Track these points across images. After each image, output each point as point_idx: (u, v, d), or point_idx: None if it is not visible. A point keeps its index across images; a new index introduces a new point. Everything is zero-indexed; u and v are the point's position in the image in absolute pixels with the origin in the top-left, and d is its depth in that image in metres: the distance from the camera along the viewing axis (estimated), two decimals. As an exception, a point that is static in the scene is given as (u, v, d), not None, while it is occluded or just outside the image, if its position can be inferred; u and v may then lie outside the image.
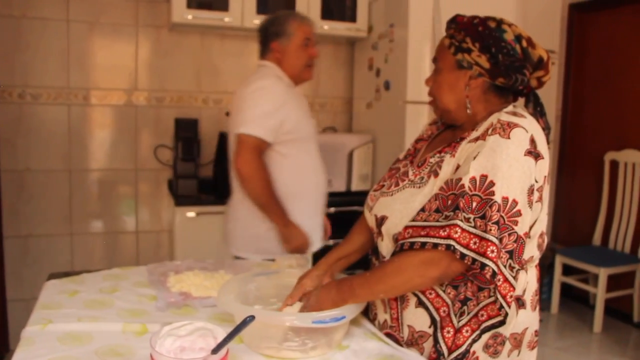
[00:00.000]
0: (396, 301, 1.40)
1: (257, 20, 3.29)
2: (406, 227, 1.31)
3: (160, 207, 3.64)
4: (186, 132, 3.30)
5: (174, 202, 3.11)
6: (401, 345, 1.38)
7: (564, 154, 4.58)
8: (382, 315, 1.45)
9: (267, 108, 2.23)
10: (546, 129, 1.39)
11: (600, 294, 3.81)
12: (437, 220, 1.26)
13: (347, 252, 1.62)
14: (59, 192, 3.42)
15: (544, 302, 4.34)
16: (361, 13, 3.55)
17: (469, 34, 1.35)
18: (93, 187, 3.50)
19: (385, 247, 1.41)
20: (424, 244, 1.25)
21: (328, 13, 3.51)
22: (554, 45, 4.18)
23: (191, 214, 3.10)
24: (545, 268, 4.37)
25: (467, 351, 1.31)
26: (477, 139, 1.30)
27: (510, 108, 1.36)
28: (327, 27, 3.47)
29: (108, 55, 3.43)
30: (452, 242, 1.21)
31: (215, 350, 1.00)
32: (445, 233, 1.22)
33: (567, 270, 4.17)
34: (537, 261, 1.43)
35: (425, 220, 1.28)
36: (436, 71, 1.42)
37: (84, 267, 3.36)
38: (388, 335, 1.42)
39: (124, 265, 2.01)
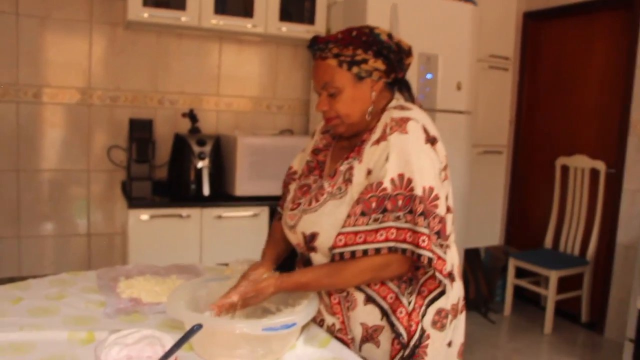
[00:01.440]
0: (340, 305, 1.46)
1: (214, 20, 3.26)
2: (338, 234, 1.37)
3: (114, 209, 3.56)
4: (141, 132, 3.22)
5: (128, 204, 3.04)
6: (349, 347, 1.44)
7: (517, 159, 4.68)
8: (330, 319, 1.50)
9: None
10: (421, 107, 1.53)
11: (551, 295, 3.90)
12: (367, 224, 1.34)
13: (280, 251, 1.66)
14: (6, 193, 3.30)
15: (497, 304, 4.42)
16: (320, 15, 3.54)
17: (358, 46, 1.43)
18: (43, 188, 3.39)
19: (320, 260, 1.47)
20: (365, 251, 1.34)
21: (286, 15, 3.48)
22: (508, 51, 4.28)
23: (145, 216, 3.03)
24: (499, 271, 4.45)
25: (423, 330, 1.41)
26: (378, 140, 1.41)
27: (394, 103, 1.49)
28: (285, 29, 3.45)
29: (60, 51, 3.34)
30: (392, 244, 1.32)
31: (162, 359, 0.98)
32: (383, 237, 1.33)
33: (520, 272, 4.26)
34: (454, 236, 1.55)
35: (354, 225, 1.35)
36: (334, 94, 1.45)
37: (33, 272, 3.29)
38: (337, 339, 1.46)
39: (75, 269, 1.96)
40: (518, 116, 4.64)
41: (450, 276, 1.50)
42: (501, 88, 4.33)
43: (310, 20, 3.55)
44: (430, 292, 1.42)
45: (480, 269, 4.41)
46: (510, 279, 4.23)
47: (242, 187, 3.22)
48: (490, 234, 4.39)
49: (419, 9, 3.26)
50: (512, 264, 4.22)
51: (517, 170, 4.69)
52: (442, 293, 1.43)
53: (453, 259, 1.53)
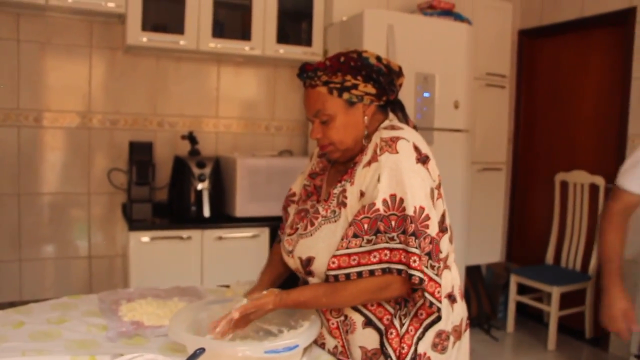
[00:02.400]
0: (338, 329, 1.45)
1: (212, 44, 3.30)
2: (331, 257, 1.37)
3: (114, 232, 3.56)
4: (141, 155, 3.24)
5: (128, 226, 3.05)
6: None
7: (516, 175, 4.69)
8: (331, 342, 1.49)
9: None
10: (415, 128, 1.52)
11: (554, 312, 3.88)
12: (360, 246, 1.34)
13: (277, 275, 1.66)
14: (8, 216, 3.31)
15: (500, 321, 4.40)
16: (317, 37, 3.57)
17: (347, 72, 1.43)
18: (44, 211, 3.40)
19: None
20: (360, 273, 1.33)
21: (284, 37, 3.52)
22: (504, 69, 4.31)
23: (145, 238, 3.04)
24: (501, 287, 4.44)
25: (416, 353, 1.39)
26: (369, 162, 1.40)
27: (386, 123, 1.47)
28: (283, 50, 3.49)
29: (61, 76, 3.37)
30: (385, 265, 1.32)
31: (164, 384, 0.98)
32: (376, 259, 1.32)
33: (522, 289, 4.25)
34: (454, 255, 1.54)
35: (347, 248, 1.35)
36: (327, 121, 1.45)
37: (34, 295, 3.28)
38: None
39: (76, 292, 1.96)
40: (516, 133, 4.66)
41: (451, 297, 1.50)
42: (499, 105, 4.36)
43: (307, 42, 3.59)
44: (429, 315, 1.40)
45: (482, 286, 4.40)
46: (512, 295, 4.22)
47: (243, 208, 3.23)
48: (491, 250, 4.39)
49: (415, 30, 3.30)
50: (513, 280, 4.21)
51: (517, 186, 4.70)
52: (439, 318, 1.40)
53: (454, 280, 1.52)
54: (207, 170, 3.21)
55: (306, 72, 1.46)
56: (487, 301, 4.39)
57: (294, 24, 3.66)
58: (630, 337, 2.20)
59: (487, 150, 4.29)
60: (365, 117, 1.46)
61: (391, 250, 1.31)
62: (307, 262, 1.44)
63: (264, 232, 3.24)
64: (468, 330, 1.59)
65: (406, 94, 3.19)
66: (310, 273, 1.45)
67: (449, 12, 3.52)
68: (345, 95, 1.42)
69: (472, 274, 4.33)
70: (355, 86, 1.42)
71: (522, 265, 4.46)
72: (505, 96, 4.38)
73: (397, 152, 1.36)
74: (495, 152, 4.38)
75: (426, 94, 3.35)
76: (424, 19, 3.41)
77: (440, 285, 1.35)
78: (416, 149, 1.40)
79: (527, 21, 4.51)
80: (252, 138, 3.85)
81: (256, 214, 3.26)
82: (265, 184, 3.26)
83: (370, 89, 1.44)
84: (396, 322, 1.39)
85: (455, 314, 1.50)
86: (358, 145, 1.46)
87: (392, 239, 1.31)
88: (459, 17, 3.54)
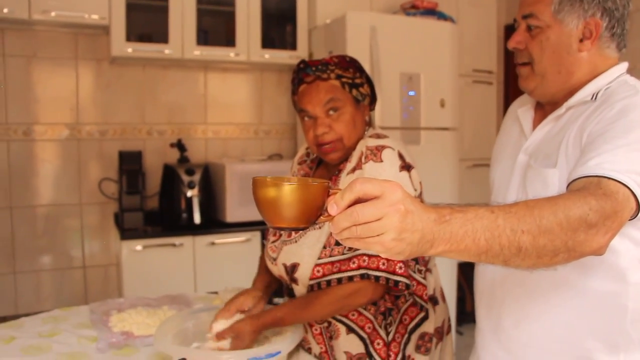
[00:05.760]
0: (321, 335, 1.47)
1: (197, 51, 3.31)
2: (315, 266, 1.38)
3: (108, 241, 3.58)
4: (130, 164, 3.26)
5: (120, 235, 3.07)
6: None
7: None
8: (316, 347, 1.50)
9: None
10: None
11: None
12: (343, 253, 1.35)
13: (270, 279, 1.66)
14: (1, 229, 3.33)
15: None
16: (301, 41, 3.59)
17: (356, 69, 1.45)
18: (37, 224, 3.42)
19: (301, 291, 1.47)
20: (340, 280, 1.34)
21: (269, 42, 3.54)
22: (491, 65, 4.34)
23: (138, 247, 3.06)
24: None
25: (404, 357, 1.41)
26: (354, 169, 1.41)
27: (371, 131, 1.48)
28: (268, 55, 3.50)
29: (48, 89, 3.38)
30: (364, 271, 1.32)
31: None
32: (355, 265, 1.32)
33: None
34: (435, 259, 1.55)
35: (330, 256, 1.36)
36: (337, 110, 1.42)
37: (29, 308, 3.30)
38: None
39: (72, 302, 1.98)
40: (505, 128, 4.67)
41: (433, 299, 1.51)
42: (487, 101, 4.38)
43: (292, 45, 3.60)
44: (412, 319, 1.43)
45: (476, 281, 4.42)
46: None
47: (233, 213, 3.25)
48: (484, 245, 4.39)
49: (398, 30, 3.32)
50: (507, 274, 4.22)
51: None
52: (425, 318, 1.43)
53: (435, 282, 1.54)
54: (197, 177, 3.23)
55: (312, 66, 1.44)
56: (483, 296, 4.40)
57: (278, 27, 3.68)
58: None
59: (477, 147, 4.31)
60: (366, 118, 1.48)
61: (369, 256, 1.31)
62: (292, 269, 1.45)
63: (256, 237, 3.26)
64: (451, 332, 1.61)
65: (391, 94, 3.22)
66: (294, 280, 1.46)
67: (432, 12, 3.54)
68: (354, 92, 1.44)
69: (466, 270, 4.35)
70: (362, 84, 1.45)
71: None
72: (493, 92, 4.41)
73: (381, 161, 1.38)
74: (485, 148, 4.39)
75: (411, 93, 3.37)
76: (406, 19, 3.43)
77: (426, 288, 1.38)
78: (401, 157, 1.41)
79: (512, 16, 4.53)
80: (242, 143, 3.87)
81: (247, 218, 3.28)
82: (255, 188, 3.28)
83: (369, 90, 1.47)
84: (381, 332, 1.41)
85: (437, 316, 1.51)
86: (353, 148, 1.46)
87: None
88: (442, 16, 3.56)
